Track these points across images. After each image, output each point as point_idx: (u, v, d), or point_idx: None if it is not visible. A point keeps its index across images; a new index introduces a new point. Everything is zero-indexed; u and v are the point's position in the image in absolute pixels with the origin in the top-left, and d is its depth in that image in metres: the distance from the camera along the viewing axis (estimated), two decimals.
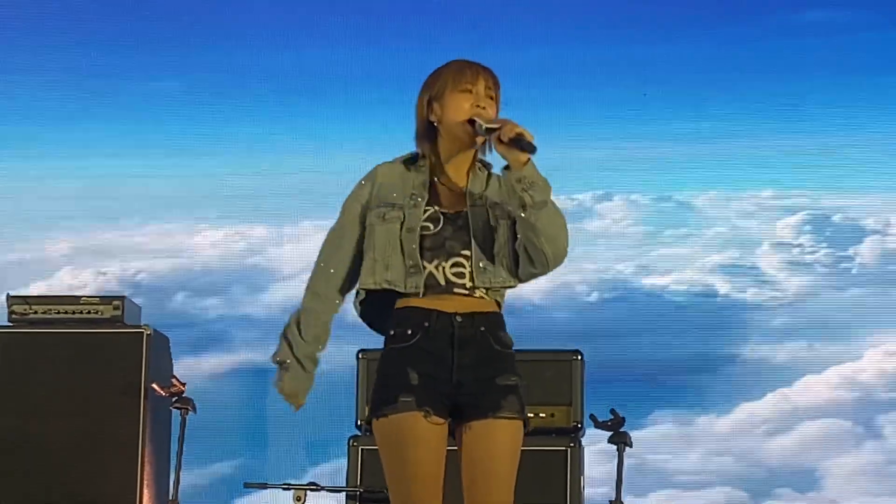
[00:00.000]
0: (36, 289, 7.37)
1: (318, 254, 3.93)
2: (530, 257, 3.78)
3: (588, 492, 6.09)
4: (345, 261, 3.88)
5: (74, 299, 6.53)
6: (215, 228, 7.62)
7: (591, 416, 5.84)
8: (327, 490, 6.02)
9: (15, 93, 7.68)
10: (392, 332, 3.78)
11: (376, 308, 3.85)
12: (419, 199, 3.82)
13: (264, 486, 6.16)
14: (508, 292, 3.89)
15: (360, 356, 6.05)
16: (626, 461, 5.79)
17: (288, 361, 3.85)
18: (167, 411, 6.37)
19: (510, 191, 3.73)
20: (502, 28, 7.56)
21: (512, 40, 7.49)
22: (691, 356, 7.18)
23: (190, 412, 6.07)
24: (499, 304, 3.86)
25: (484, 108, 3.79)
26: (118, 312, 6.42)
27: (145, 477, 6.25)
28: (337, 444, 6.26)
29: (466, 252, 3.79)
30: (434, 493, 3.69)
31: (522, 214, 3.72)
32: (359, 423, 6.06)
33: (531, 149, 3.66)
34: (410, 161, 3.90)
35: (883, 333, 7.19)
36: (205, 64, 7.67)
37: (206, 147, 7.60)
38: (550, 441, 5.86)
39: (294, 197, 7.40)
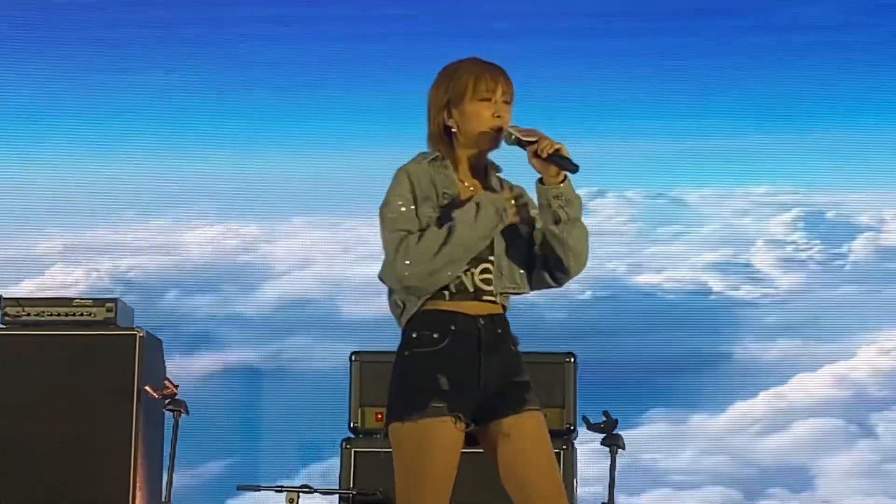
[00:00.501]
0: (27, 286, 7.35)
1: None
2: (549, 269, 3.82)
3: (580, 491, 6.10)
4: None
5: (67, 301, 6.52)
6: (208, 226, 7.60)
7: (584, 419, 5.83)
8: (320, 492, 6.01)
9: (3, 90, 7.65)
10: (415, 335, 3.76)
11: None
12: (453, 199, 3.79)
13: (257, 489, 6.15)
14: None
15: (353, 358, 6.02)
16: (618, 461, 5.78)
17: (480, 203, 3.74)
18: (160, 413, 6.35)
19: (544, 205, 3.74)
20: (496, 22, 7.54)
21: (503, 34, 7.46)
22: (684, 354, 7.17)
23: (182, 414, 6.07)
24: (504, 307, 3.86)
25: (500, 116, 3.78)
26: (111, 314, 6.42)
27: (138, 479, 6.26)
28: (329, 446, 6.27)
29: (492, 257, 3.79)
30: (446, 498, 3.72)
31: (554, 229, 3.74)
32: (352, 424, 6.06)
33: (573, 169, 3.69)
34: (435, 161, 3.85)
35: (877, 331, 7.19)
36: (197, 61, 7.64)
37: (197, 144, 7.57)
38: None
39: (286, 194, 7.38)
